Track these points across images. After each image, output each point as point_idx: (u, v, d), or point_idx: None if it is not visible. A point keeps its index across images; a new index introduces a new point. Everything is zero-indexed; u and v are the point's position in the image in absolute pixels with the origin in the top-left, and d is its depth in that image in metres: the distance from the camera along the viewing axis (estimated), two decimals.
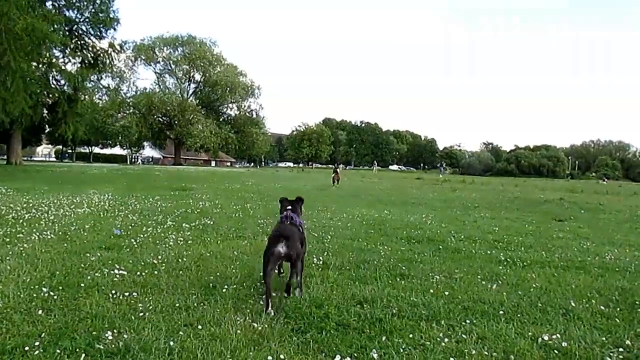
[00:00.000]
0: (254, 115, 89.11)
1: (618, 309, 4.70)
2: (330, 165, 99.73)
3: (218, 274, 5.52)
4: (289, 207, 5.23)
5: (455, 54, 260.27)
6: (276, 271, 5.18)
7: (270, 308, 4.23)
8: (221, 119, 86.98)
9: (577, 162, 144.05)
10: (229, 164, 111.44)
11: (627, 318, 4.45)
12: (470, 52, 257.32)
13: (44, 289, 4.60)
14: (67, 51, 43.43)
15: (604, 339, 3.90)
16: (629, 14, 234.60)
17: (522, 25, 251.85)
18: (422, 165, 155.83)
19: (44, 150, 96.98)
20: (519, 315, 4.39)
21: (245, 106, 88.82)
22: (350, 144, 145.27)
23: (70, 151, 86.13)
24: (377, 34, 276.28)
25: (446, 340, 3.75)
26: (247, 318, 4.07)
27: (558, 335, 3.91)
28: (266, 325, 3.91)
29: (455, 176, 71.97)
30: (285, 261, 4.73)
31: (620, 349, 3.70)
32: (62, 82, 44.16)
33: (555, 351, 3.63)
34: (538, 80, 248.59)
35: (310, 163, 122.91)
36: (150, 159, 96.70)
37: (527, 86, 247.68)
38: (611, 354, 3.60)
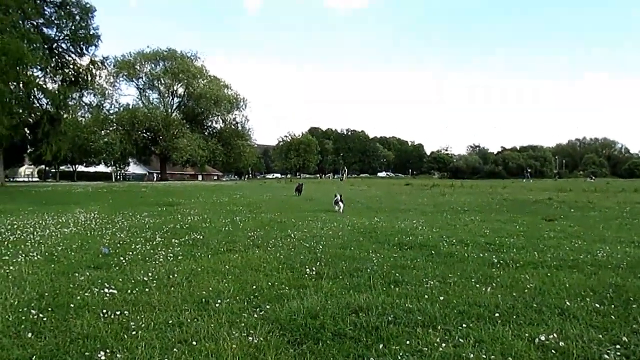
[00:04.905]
0: (240, 128, 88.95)
1: (613, 306, 4.73)
2: (318, 174, 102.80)
3: (210, 288, 5.49)
4: (300, 184, 28.12)
5: (438, 58, 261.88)
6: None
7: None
8: (206, 132, 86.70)
9: (564, 161, 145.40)
10: (215, 177, 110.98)
11: (623, 315, 4.48)
12: (453, 56, 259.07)
13: (33, 311, 4.54)
14: (47, 70, 43.12)
15: (600, 336, 3.93)
16: (611, 14, 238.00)
17: (504, 25, 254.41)
18: (410, 171, 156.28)
19: (27, 171, 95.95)
20: (514, 317, 4.41)
21: (230, 119, 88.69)
22: (338, 153, 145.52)
23: (53, 170, 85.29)
24: (359, 41, 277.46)
25: (443, 345, 3.75)
26: (242, 332, 4.04)
27: (555, 335, 3.93)
28: (262, 339, 3.89)
29: (444, 180, 72.34)
30: (298, 189, 26.82)
31: (618, 346, 3.73)
32: (44, 100, 43.80)
33: (553, 351, 3.64)
34: (522, 80, 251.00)
35: (298, 174, 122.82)
36: (153, 175, 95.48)
37: (511, 87, 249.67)
38: (609, 352, 3.63)
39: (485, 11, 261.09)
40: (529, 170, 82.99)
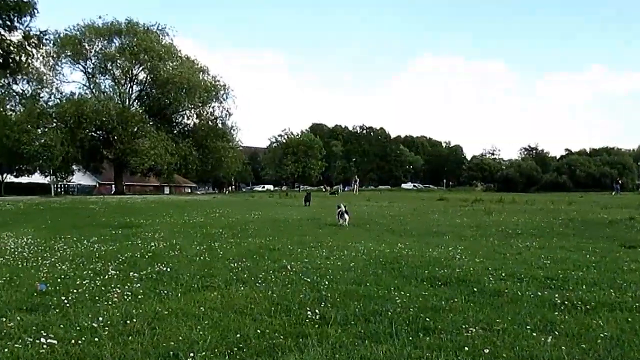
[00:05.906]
0: (220, 125, 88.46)
1: None
2: (322, 186, 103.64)
3: (180, 338, 5.49)
4: (309, 193, 42.39)
5: (475, 33, 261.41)
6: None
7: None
8: (175, 131, 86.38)
9: None
10: (188, 190, 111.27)
11: None
12: (495, 29, 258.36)
13: None
14: None
15: None
16: None
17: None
18: (445, 181, 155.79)
19: None
20: None
21: (207, 112, 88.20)
22: (349, 157, 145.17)
23: None
24: (374, 17, 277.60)
25: None
26: None
27: None
28: None
29: (489, 194, 72.14)
30: (306, 199, 37.01)
31: None
32: None
33: None
34: (588, 63, 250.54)
35: (297, 184, 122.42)
36: (110, 188, 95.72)
37: (573, 71, 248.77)
38: None
39: None
40: (619, 181, 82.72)
